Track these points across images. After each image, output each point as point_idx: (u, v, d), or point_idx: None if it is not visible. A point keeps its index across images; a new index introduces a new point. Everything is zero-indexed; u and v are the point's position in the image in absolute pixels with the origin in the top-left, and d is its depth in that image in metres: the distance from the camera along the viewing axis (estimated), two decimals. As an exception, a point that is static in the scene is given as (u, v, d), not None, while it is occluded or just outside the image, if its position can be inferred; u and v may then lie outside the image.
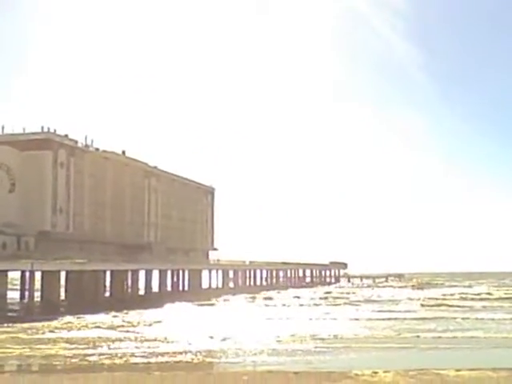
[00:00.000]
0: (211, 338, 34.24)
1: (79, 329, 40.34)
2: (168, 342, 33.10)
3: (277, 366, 24.64)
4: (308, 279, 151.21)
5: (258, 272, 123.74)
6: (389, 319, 46.92)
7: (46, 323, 43.56)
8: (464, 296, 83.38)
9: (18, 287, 73.84)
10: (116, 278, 78.51)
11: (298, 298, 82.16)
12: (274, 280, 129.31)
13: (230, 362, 27.12)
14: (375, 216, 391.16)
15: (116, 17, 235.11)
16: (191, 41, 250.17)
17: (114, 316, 49.69)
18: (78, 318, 47.60)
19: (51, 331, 39.01)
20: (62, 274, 69.28)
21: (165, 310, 57.63)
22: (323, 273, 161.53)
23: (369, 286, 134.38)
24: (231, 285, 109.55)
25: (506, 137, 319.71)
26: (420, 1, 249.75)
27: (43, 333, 38.41)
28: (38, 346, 31.59)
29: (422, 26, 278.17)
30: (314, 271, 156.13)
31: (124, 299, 70.01)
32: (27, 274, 66.97)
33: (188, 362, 27.54)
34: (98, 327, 41.22)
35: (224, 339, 33.70)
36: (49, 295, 64.50)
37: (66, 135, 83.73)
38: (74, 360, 27.53)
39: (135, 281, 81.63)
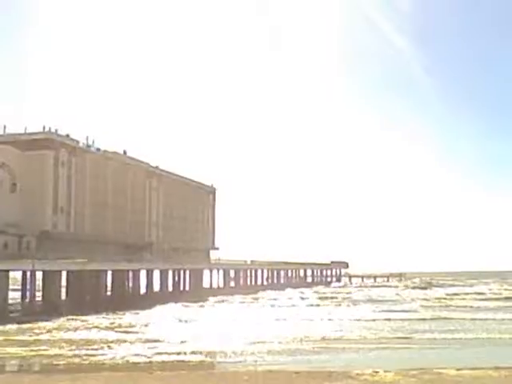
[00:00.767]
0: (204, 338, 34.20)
1: (80, 329, 40.33)
2: (168, 343, 33.13)
3: (278, 366, 24.66)
4: (309, 279, 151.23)
5: (259, 272, 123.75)
6: (389, 319, 46.84)
7: (46, 323, 43.61)
8: (466, 296, 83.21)
9: (20, 287, 73.97)
10: (117, 277, 78.63)
11: (301, 298, 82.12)
12: (275, 280, 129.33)
13: (231, 362, 27.15)
14: (376, 215, 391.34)
15: (118, 17, 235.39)
16: (192, 41, 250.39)
17: (114, 316, 49.66)
18: (78, 318, 47.63)
19: (50, 331, 39.05)
20: (63, 274, 69.30)
21: (162, 310, 57.66)
22: (324, 272, 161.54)
23: (370, 286, 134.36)
24: (232, 284, 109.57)
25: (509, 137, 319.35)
26: (426, 3, 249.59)
27: (43, 333, 38.46)
28: (38, 347, 31.61)
29: (427, 28, 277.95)
30: (315, 271, 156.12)
31: (125, 299, 70.06)
32: (28, 273, 67.08)
33: (189, 361, 27.59)
34: (98, 327, 41.24)
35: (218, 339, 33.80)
36: (50, 295, 64.53)
37: (68, 135, 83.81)
38: (74, 360, 27.58)
39: (136, 281, 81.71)
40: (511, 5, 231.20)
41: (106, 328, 40.86)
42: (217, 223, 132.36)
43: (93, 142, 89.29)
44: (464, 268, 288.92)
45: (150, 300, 68.65)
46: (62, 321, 45.65)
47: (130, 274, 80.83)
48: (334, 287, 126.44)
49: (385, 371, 18.07)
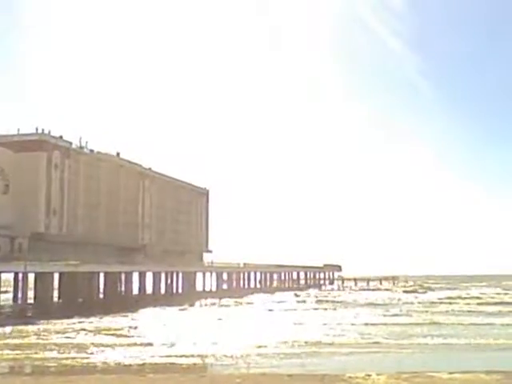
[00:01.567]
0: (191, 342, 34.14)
1: (71, 332, 40.13)
2: (159, 346, 33.04)
3: (270, 369, 24.62)
4: (302, 281, 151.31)
5: (252, 274, 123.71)
6: (383, 324, 46.80)
7: (37, 326, 43.36)
8: (459, 300, 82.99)
9: (11, 289, 73.68)
10: (109, 280, 78.39)
11: (295, 301, 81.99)
12: (268, 282, 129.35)
13: (224, 365, 27.10)
14: (370, 218, 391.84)
15: (110, 19, 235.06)
16: (185, 41, 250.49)
17: (106, 319, 49.41)
18: (70, 320, 47.39)
19: (41, 334, 38.84)
20: (56, 276, 69.08)
21: (153, 313, 57.55)
22: (317, 275, 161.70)
23: (363, 289, 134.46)
24: (225, 287, 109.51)
25: (503, 139, 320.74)
26: (419, 5, 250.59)
27: (33, 336, 38.27)
28: (29, 350, 31.43)
29: (420, 29, 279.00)
30: (308, 273, 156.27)
31: (117, 302, 69.86)
32: (20, 275, 66.76)
33: (181, 364, 27.52)
34: (90, 330, 41.05)
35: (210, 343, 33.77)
36: (42, 297, 64.32)
37: (61, 136, 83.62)
38: (65, 362, 27.46)
39: (129, 283, 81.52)
40: (506, 6, 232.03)
41: (98, 331, 40.66)
42: (210, 226, 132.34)
43: (86, 143, 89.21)
44: (457, 272, 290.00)
45: (142, 303, 68.42)
46: (53, 323, 45.37)
47: (123, 276, 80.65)
48: (327, 290, 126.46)
49: (377, 374, 18.09)
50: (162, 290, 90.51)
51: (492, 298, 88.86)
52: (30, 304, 63.95)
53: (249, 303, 76.75)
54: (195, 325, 45.79)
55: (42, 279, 64.69)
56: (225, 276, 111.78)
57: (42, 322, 45.80)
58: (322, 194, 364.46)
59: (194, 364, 27.73)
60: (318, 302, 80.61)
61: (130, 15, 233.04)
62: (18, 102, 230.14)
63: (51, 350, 31.17)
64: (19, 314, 56.12)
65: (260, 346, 31.89)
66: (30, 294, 65.13)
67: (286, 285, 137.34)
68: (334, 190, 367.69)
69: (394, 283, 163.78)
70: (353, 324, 46.21)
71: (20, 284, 66.78)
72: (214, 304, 72.67)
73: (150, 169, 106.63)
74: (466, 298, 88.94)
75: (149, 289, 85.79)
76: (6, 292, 70.81)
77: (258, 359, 28.12)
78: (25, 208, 75.99)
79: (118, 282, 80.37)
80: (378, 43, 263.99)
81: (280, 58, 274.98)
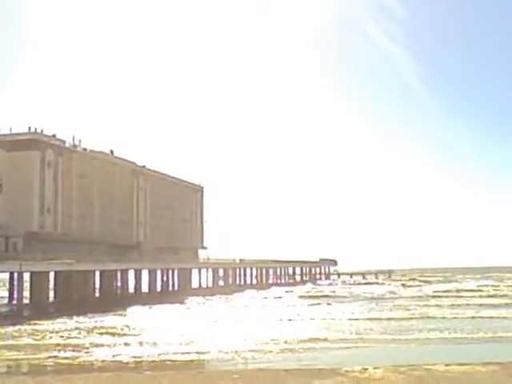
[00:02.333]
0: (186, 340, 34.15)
1: (68, 331, 40.10)
2: (156, 344, 33.06)
3: (267, 364, 24.68)
4: (298, 277, 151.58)
5: (248, 270, 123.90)
6: (378, 318, 46.89)
7: (33, 325, 43.32)
8: (456, 293, 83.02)
9: (6, 289, 73.57)
10: (105, 278, 78.33)
11: (288, 297, 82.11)
12: (264, 278, 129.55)
13: (221, 361, 27.15)
14: (364, 213, 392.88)
15: (103, 16, 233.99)
16: (182, 39, 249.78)
17: (102, 318, 49.32)
18: (66, 319, 47.32)
19: (37, 333, 38.80)
20: (51, 275, 68.93)
21: (150, 310, 57.54)
22: (313, 270, 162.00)
23: (359, 283, 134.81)
24: (221, 283, 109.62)
25: (502, 137, 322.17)
26: (417, 8, 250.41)
27: (30, 335, 38.25)
28: (25, 350, 31.45)
29: (418, 33, 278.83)
30: (303, 268, 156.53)
31: (113, 300, 69.87)
32: (15, 275, 66.60)
33: (178, 361, 27.55)
34: (86, 329, 41.04)
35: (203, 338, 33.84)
36: (38, 296, 64.20)
37: (54, 135, 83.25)
38: (62, 361, 27.46)
39: (125, 281, 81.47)
40: (506, 10, 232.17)
41: (94, 330, 40.63)
42: (205, 222, 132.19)
43: (79, 141, 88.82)
44: (453, 264, 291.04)
45: (138, 300, 68.40)
46: (49, 323, 45.29)
47: (119, 274, 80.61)
48: (323, 285, 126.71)
49: (374, 368, 18.14)
50: (158, 288, 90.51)
51: (488, 290, 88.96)
52: (26, 304, 63.80)
53: (244, 299, 76.83)
54: (191, 322, 45.84)
55: (38, 278, 64.55)
56: (221, 272, 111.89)
57: (38, 321, 45.73)
58: (317, 189, 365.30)
59: (191, 361, 27.78)
60: (313, 297, 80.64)
61: (125, 13, 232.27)
62: (10, 101, 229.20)
63: (48, 349, 31.14)
64: (16, 314, 56.00)
65: (256, 342, 31.96)
66: (26, 293, 64.99)
67: (282, 280, 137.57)
68: (330, 184, 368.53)
69: (389, 277, 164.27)
70: (348, 319, 46.22)
71: (15, 284, 66.65)
72: (209, 300, 72.73)
73: (143, 166, 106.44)
74: (463, 290, 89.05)
75: (145, 286, 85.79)
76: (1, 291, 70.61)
77: (255, 355, 28.18)
78: (19, 207, 75.75)
79: (114, 280, 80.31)
80: (375, 47, 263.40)
81: (277, 56, 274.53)
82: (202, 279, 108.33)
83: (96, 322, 45.80)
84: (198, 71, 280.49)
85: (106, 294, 76.74)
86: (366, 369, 17.94)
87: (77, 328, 41.05)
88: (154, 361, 27.60)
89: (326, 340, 33.28)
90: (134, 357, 28.47)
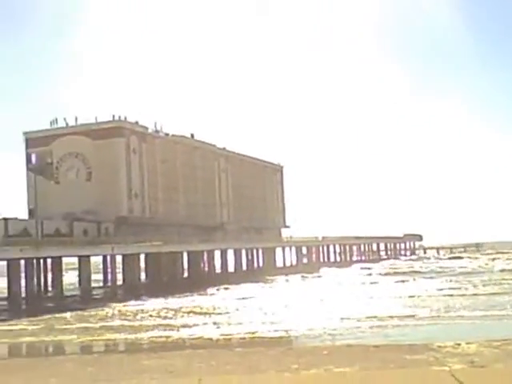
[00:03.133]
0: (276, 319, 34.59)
1: (160, 311, 41.61)
2: (244, 321, 33.79)
3: (355, 340, 24.72)
4: (382, 253, 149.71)
5: (331, 247, 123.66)
6: (465, 294, 45.53)
7: (128, 306, 45.19)
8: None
9: (100, 271, 76.98)
10: (192, 258, 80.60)
11: (373, 273, 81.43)
12: (348, 255, 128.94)
13: (309, 338, 27.45)
14: (450, 185, 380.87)
15: (173, 10, 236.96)
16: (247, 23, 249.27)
17: (192, 298, 50.80)
18: (157, 300, 49.10)
19: (129, 314, 40.49)
20: (142, 257, 71.54)
21: (237, 289, 58.64)
22: (398, 246, 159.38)
23: (445, 258, 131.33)
24: (305, 261, 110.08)
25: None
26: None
27: (123, 315, 40.01)
28: (121, 329, 32.89)
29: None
30: (388, 244, 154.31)
31: (201, 279, 71.68)
32: (108, 258, 69.76)
33: (266, 338, 28.09)
34: (177, 308, 42.43)
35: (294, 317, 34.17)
36: (130, 278, 66.97)
37: (137, 122, 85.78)
38: (157, 340, 28.61)
39: (211, 261, 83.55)
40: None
41: (184, 309, 41.98)
42: (287, 201, 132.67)
43: (161, 127, 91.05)
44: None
45: (225, 280, 69.92)
46: (141, 303, 47.13)
47: (205, 254, 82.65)
48: (408, 260, 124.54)
49: (467, 343, 17.78)
50: (244, 267, 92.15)
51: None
52: (119, 285, 66.65)
53: (328, 276, 76.80)
54: (278, 299, 46.44)
55: (129, 261, 67.25)
56: (304, 250, 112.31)
57: (130, 302, 47.66)
58: (400, 162, 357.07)
59: (279, 338, 28.25)
60: (399, 273, 79.39)
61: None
62: (95, 90, 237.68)
63: (141, 330, 32.38)
64: (110, 295, 58.57)
65: (342, 319, 32.04)
66: (119, 276, 67.91)
67: (366, 257, 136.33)
68: (413, 157, 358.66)
69: (478, 251, 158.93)
70: (436, 295, 45.36)
71: (109, 266, 69.78)
72: (293, 278, 73.24)
73: (224, 148, 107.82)
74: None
75: (230, 266, 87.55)
76: (95, 274, 73.78)
77: (342, 331, 28.28)
78: (108, 193, 78.90)
79: (201, 260, 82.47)
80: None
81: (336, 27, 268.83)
82: (286, 258, 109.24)
83: (185, 302, 47.29)
84: (274, 51, 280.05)
85: (193, 274, 79.01)
86: (458, 344, 17.60)
87: (167, 308, 42.54)
88: (242, 338, 28.28)
89: (413, 316, 32.88)
90: (223, 335, 29.29)
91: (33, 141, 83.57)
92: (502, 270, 74.99)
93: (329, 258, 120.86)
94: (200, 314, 39.01)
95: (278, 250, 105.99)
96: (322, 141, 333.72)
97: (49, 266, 68.37)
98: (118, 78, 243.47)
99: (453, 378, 11.11)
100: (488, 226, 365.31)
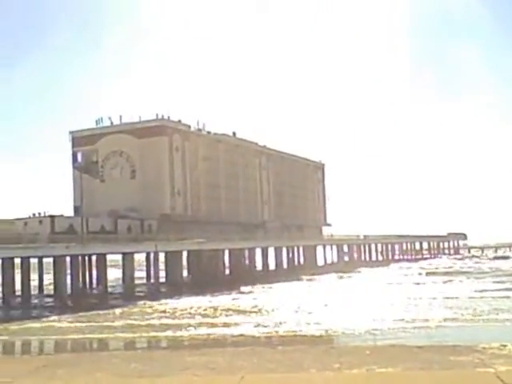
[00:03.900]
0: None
1: (202, 308, 42.04)
2: (286, 319, 33.88)
3: (397, 341, 24.53)
4: (425, 252, 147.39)
5: (373, 246, 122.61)
6: (509, 297, 44.33)
7: (171, 304, 45.75)
8: None
9: (143, 268, 78.12)
10: (234, 256, 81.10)
11: (416, 273, 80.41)
12: (390, 254, 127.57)
13: (350, 337, 27.36)
14: (495, 183, 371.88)
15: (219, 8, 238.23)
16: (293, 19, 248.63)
17: (234, 296, 51.15)
18: (199, 297, 49.59)
19: (174, 312, 41.01)
20: (184, 254, 72.30)
21: (279, 287, 58.76)
22: (441, 244, 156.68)
23: (490, 258, 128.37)
24: (346, 259, 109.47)
25: None
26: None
27: (165, 313, 40.56)
28: (163, 328, 33.34)
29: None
30: (431, 243, 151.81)
31: (243, 277, 72.04)
32: (152, 255, 70.73)
33: (307, 336, 28.13)
34: (219, 306, 42.79)
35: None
36: (173, 275, 67.80)
37: (180, 120, 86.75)
38: (198, 337, 28.94)
39: (252, 258, 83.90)
40: None
41: (225, 307, 42.28)
42: (327, 199, 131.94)
43: (203, 125, 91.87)
44: None
45: (266, 277, 70.19)
46: (183, 300, 47.67)
47: (246, 252, 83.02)
48: (451, 260, 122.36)
49: (513, 345, 17.52)
50: (284, 265, 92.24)
51: None
52: (162, 282, 67.49)
53: (369, 275, 76.22)
54: (317, 298, 46.37)
55: (172, 258, 68.10)
56: (345, 248, 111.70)
57: (173, 300, 48.21)
58: (446, 160, 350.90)
59: (320, 336, 28.26)
60: (442, 273, 78.11)
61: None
62: (139, 89, 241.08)
63: (182, 327, 32.74)
64: (153, 293, 59.27)
65: (383, 320, 31.80)
66: (161, 273, 68.72)
67: (408, 256, 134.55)
68: (456, 155, 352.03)
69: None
70: (479, 296, 44.40)
71: (152, 263, 70.76)
72: (334, 277, 72.92)
73: (265, 146, 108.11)
74: None
75: (271, 264, 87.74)
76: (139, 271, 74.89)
77: (383, 332, 28.08)
78: (151, 191, 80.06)
79: (242, 258, 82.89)
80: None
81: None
82: (327, 256, 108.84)
83: (226, 300, 47.66)
84: (315, 50, 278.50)
85: (234, 271, 79.50)
86: (504, 345, 17.37)
87: (208, 306, 42.90)
88: (283, 336, 28.39)
89: (456, 318, 32.37)
90: (264, 333, 29.46)
91: (79, 140, 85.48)
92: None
93: (370, 257, 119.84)
94: (241, 312, 39.29)
95: (319, 248, 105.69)
96: (365, 138, 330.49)
97: (93, 263, 69.81)
98: (162, 77, 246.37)
99: (498, 379, 10.98)
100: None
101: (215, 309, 41.33)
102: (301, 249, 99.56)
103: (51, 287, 59.48)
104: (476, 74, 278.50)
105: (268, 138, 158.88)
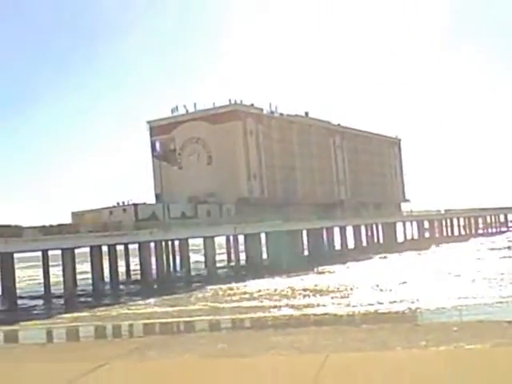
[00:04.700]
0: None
1: (282, 289, 42.44)
2: (368, 296, 33.77)
3: (485, 316, 23.99)
4: (511, 224, 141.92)
5: (455, 221, 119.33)
6: None
7: (249, 286, 46.43)
8: None
9: (222, 251, 79.63)
10: (312, 236, 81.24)
11: (493, 248, 77.64)
12: (473, 228, 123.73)
13: (435, 313, 27.00)
14: None
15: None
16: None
17: (316, 276, 51.39)
18: (279, 277, 50.11)
19: (256, 294, 41.65)
20: (262, 236, 73.09)
21: (359, 265, 58.44)
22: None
23: None
24: (427, 235, 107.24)
25: None
26: None
27: (248, 293, 41.27)
28: (247, 310, 33.98)
29: None
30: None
31: (322, 257, 72.17)
32: (231, 238, 72.00)
33: (391, 314, 27.98)
34: (298, 286, 43.10)
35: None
36: (253, 257, 68.76)
37: (252, 104, 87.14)
38: (281, 318, 29.39)
39: (331, 238, 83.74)
40: None
41: (307, 286, 42.57)
42: (406, 174, 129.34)
43: (276, 107, 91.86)
44: None
45: (346, 256, 69.96)
46: (263, 282, 48.25)
47: (324, 231, 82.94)
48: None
49: None
50: (364, 243, 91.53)
51: None
52: (243, 263, 68.60)
53: (451, 251, 74.32)
54: (397, 275, 45.84)
55: (251, 240, 69.03)
56: (426, 224, 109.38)
57: (254, 281, 48.88)
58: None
59: (404, 313, 28.04)
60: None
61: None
62: (212, 76, 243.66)
63: (266, 307, 33.29)
64: (234, 275, 60.40)
65: (467, 295, 31.12)
66: (241, 255, 69.85)
67: (493, 229, 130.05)
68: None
69: None
70: None
71: (232, 246, 72.02)
72: (414, 253, 71.64)
73: (338, 125, 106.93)
74: None
75: (350, 242, 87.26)
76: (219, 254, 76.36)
77: (469, 307, 27.53)
78: (228, 176, 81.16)
79: (320, 237, 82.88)
80: None
81: None
82: (407, 232, 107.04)
83: (306, 279, 48.00)
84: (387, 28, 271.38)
85: (313, 251, 79.65)
86: None
87: (289, 287, 43.21)
88: (365, 314, 28.35)
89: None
90: (347, 312, 29.53)
91: (156, 129, 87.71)
92: None
93: (452, 232, 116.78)
94: (321, 291, 39.44)
95: (399, 225, 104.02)
96: (443, 109, 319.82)
97: (176, 248, 71.82)
98: (233, 62, 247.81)
99: None
100: None
101: (295, 289, 41.64)
102: (379, 226, 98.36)
103: (138, 272, 61.86)
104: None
105: (341, 116, 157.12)
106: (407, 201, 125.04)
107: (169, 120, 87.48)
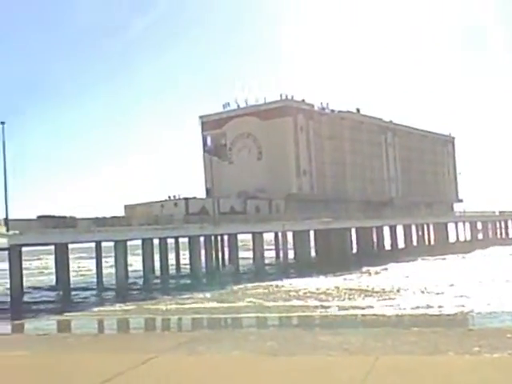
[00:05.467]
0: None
1: (330, 289, 42.18)
2: (416, 299, 33.25)
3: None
4: None
5: (510, 222, 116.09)
6: None
7: (302, 284, 46.30)
8: None
9: (271, 247, 79.68)
10: (361, 234, 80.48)
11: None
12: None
13: (487, 318, 26.40)
14: None
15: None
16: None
17: (361, 274, 50.91)
18: (329, 276, 49.84)
19: (304, 292, 41.52)
20: (311, 233, 72.85)
21: (409, 266, 57.51)
22: None
23: None
24: (480, 237, 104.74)
25: None
26: None
27: (294, 291, 41.21)
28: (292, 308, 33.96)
29: None
30: None
31: (371, 256, 71.39)
32: (280, 234, 72.05)
33: (442, 316, 27.47)
34: (346, 286, 42.76)
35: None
36: (301, 254, 68.70)
37: (303, 100, 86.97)
38: (329, 317, 29.25)
39: (380, 237, 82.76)
40: None
41: (356, 287, 42.17)
42: (459, 173, 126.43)
43: (327, 104, 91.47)
44: None
45: (395, 256, 69.00)
46: (312, 280, 48.04)
47: (374, 230, 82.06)
48: None
49: None
50: (414, 243, 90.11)
51: None
52: (291, 260, 68.52)
53: (504, 252, 72.14)
54: (446, 277, 44.90)
55: (299, 237, 68.93)
56: (479, 225, 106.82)
57: (302, 280, 48.61)
58: None
59: (455, 317, 27.48)
60: None
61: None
62: (265, 73, 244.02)
63: (312, 307, 33.14)
64: (282, 272, 60.28)
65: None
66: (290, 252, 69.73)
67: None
68: None
69: None
70: None
71: (280, 242, 72.06)
72: (467, 256, 69.96)
73: (390, 122, 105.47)
74: None
75: (400, 242, 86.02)
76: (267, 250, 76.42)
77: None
78: (277, 171, 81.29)
79: (370, 236, 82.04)
80: None
81: None
82: (459, 233, 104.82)
83: (354, 279, 47.54)
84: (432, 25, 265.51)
85: (362, 250, 78.93)
86: None
87: (335, 287, 42.82)
88: (415, 316, 27.91)
89: None
90: (396, 314, 29.13)
91: (207, 124, 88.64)
92: None
93: (507, 234, 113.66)
94: (370, 292, 39.00)
95: (451, 226, 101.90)
96: (498, 109, 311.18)
97: (225, 243, 72.36)
98: (284, 57, 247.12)
99: None
100: None
101: (343, 289, 41.20)
102: (431, 226, 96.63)
103: (187, 266, 62.53)
104: None
105: (394, 113, 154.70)
106: (460, 201, 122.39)
107: (220, 115, 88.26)
